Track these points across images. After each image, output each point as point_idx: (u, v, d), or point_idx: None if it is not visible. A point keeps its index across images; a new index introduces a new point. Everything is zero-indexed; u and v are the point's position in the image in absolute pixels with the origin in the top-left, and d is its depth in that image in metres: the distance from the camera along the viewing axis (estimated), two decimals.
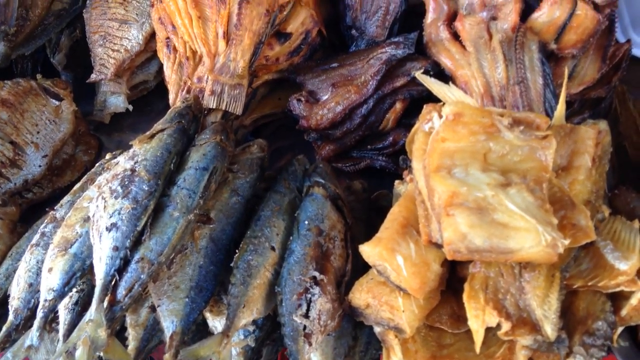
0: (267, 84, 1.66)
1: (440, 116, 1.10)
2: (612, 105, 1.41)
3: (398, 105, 1.44)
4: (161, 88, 1.73)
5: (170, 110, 1.34)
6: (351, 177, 1.57)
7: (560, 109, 1.13)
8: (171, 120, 1.27)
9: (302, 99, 1.51)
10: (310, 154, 1.63)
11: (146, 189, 1.11)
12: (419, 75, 1.22)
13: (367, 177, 1.56)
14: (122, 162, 1.19)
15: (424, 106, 1.16)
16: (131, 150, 1.22)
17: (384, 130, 1.49)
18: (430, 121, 1.13)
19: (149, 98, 1.87)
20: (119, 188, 1.12)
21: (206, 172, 1.18)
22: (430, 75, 1.37)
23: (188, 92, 1.49)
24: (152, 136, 1.23)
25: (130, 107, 1.77)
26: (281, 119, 1.71)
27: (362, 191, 1.43)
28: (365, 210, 1.37)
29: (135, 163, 1.17)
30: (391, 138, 1.48)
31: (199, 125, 1.36)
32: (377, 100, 1.44)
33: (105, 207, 1.11)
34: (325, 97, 1.50)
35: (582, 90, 1.31)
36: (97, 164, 1.44)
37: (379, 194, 1.43)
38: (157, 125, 1.27)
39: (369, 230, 1.31)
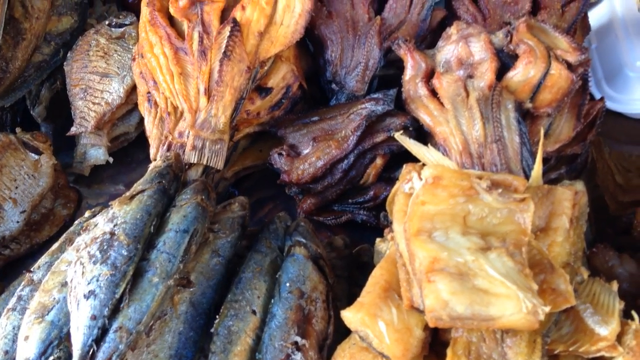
0: (249, 137, 1.66)
1: (420, 177, 1.11)
2: (588, 159, 1.44)
3: (378, 161, 1.46)
4: (142, 139, 1.72)
5: (150, 169, 1.34)
6: (332, 231, 1.57)
7: (537, 169, 1.15)
8: (151, 181, 1.26)
9: (283, 152, 1.52)
10: (292, 204, 1.64)
11: (125, 254, 1.10)
12: (398, 136, 1.24)
13: (349, 230, 1.56)
14: (101, 225, 1.18)
15: (404, 166, 1.17)
16: (110, 212, 1.20)
17: (364, 185, 1.50)
18: (410, 181, 1.14)
19: (129, 149, 1.86)
20: (97, 253, 1.10)
21: (187, 234, 1.17)
22: (410, 131, 1.40)
23: (169, 147, 1.49)
24: (132, 197, 1.22)
25: (111, 160, 1.76)
26: (262, 170, 1.72)
27: (343, 247, 1.42)
28: (347, 267, 1.36)
29: (114, 226, 1.15)
30: (372, 192, 1.48)
31: (179, 184, 1.35)
32: (358, 155, 1.45)
33: (83, 272, 1.09)
34: (306, 151, 1.51)
35: (558, 148, 1.33)
36: (75, 222, 1.42)
37: (361, 249, 1.43)
38: (137, 186, 1.26)
39: (352, 288, 1.31)
